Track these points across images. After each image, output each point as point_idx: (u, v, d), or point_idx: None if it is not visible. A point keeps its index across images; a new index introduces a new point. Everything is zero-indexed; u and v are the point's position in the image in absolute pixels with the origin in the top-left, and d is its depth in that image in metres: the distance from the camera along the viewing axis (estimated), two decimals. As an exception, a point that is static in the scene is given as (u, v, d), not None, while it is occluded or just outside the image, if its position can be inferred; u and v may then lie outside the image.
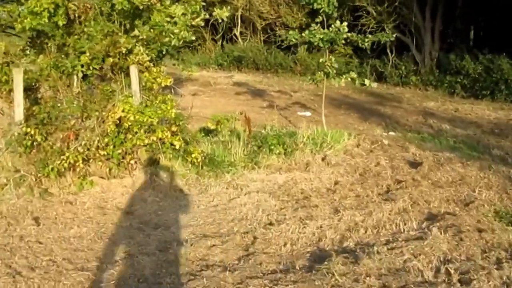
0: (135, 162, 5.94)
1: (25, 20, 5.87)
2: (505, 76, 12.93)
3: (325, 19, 8.88)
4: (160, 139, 6.01)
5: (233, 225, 4.63)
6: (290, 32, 8.92)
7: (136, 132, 5.96)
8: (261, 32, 24.49)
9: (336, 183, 6.17)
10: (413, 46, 17.64)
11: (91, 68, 6.25)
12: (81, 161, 5.60)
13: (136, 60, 6.16)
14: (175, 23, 6.24)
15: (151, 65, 6.22)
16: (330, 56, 8.94)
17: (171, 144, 6.13)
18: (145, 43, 6.34)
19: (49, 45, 6.50)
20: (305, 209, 5.11)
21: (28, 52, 6.99)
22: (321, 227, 4.60)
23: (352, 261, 3.79)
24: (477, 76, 13.92)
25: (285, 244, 4.19)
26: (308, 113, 12.62)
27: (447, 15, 17.15)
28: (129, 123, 5.92)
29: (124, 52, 6.20)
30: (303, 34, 8.85)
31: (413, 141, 9.07)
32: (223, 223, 4.67)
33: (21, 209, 5.09)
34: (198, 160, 6.24)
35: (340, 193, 5.68)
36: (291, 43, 8.93)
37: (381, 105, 13.56)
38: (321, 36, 8.68)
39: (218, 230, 4.52)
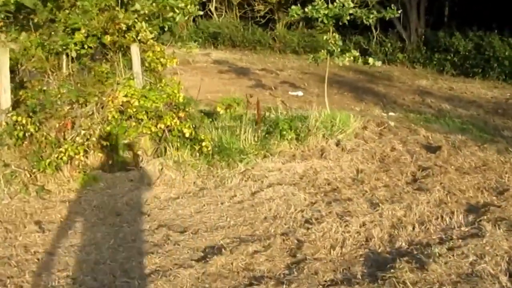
0: (143, 153, 5.32)
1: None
2: (496, 53, 12.77)
3: (327, -7, 8.32)
4: (168, 126, 5.40)
5: (268, 226, 4.13)
6: (293, 7, 8.33)
7: (141, 119, 5.33)
8: (237, 7, 23.62)
9: (359, 171, 5.75)
10: (399, 23, 17.31)
11: (85, 47, 5.51)
12: (81, 154, 4.94)
13: (138, 38, 5.47)
14: (180, -5, 5.56)
15: (155, 43, 5.54)
16: (334, 34, 8.43)
17: (179, 131, 5.53)
18: (147, 18, 5.64)
19: (35, 20, 5.70)
20: (339, 203, 4.66)
21: (6, 29, 6.16)
22: (364, 224, 4.16)
23: (417, 266, 3.38)
24: (467, 53, 13.73)
25: (332, 247, 3.74)
26: (300, 93, 12.13)
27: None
28: (134, 109, 5.28)
29: (123, 29, 5.49)
30: (306, 10, 8.29)
31: (417, 122, 8.75)
32: (256, 223, 4.16)
33: (18, 211, 4.43)
34: (209, 148, 5.67)
35: (369, 184, 5.26)
36: (292, 18, 8.37)
37: (373, 83, 13.21)
38: (326, 12, 8.14)
39: (253, 232, 4.01)
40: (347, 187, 5.17)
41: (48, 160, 4.82)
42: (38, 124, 5.01)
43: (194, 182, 5.19)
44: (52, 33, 5.60)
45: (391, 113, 9.89)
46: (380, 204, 4.58)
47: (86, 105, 5.41)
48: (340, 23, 8.55)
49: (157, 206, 4.56)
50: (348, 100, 11.31)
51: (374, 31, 18.31)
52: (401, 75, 14.24)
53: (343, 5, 8.15)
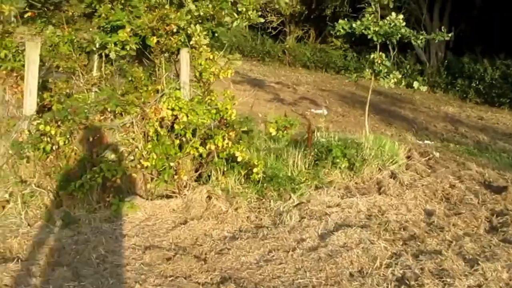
0: (190, 178, 4.50)
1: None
2: (525, 84, 12.25)
3: (379, 10, 7.66)
4: (218, 148, 4.60)
5: (359, 286, 3.35)
6: (340, 21, 7.62)
7: (188, 138, 4.52)
8: (247, 17, 22.94)
9: (428, 213, 5.01)
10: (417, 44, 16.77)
11: (127, 48, 4.70)
12: (119, 176, 4.12)
13: (190, 42, 4.67)
14: (240, -2, 4.79)
15: (208, 50, 4.75)
16: (381, 53, 7.74)
17: (228, 154, 4.73)
18: (199, 21, 4.85)
19: (70, 13, 4.87)
20: (428, 257, 3.90)
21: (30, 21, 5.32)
22: (470, 289, 3.42)
23: None
24: (493, 81, 13.19)
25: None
26: (324, 111, 11.43)
27: (455, 15, 16.40)
28: (182, 126, 4.47)
29: (174, 30, 4.70)
30: (354, 25, 7.60)
31: (460, 154, 8.11)
32: (343, 282, 3.37)
33: (41, 245, 3.58)
34: (259, 175, 4.88)
35: (449, 231, 4.51)
36: (338, 33, 7.69)
37: (396, 106, 12.57)
38: (376, 29, 7.46)
39: (344, 294, 3.23)
40: (426, 234, 4.42)
41: (79, 182, 3.98)
42: (68, 136, 4.17)
43: (247, 217, 4.39)
44: (91, 29, 4.77)
45: (426, 141, 9.23)
46: (477, 262, 3.84)
47: (120, 116, 4.59)
48: (388, 42, 7.89)
49: (212, 249, 3.74)
50: (376, 123, 10.62)
51: (391, 51, 17.77)
52: (424, 100, 13.64)
53: (394, 24, 7.47)
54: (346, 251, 3.83)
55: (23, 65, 4.83)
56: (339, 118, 10.87)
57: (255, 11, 4.86)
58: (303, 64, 20.33)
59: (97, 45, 5.04)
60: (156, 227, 4.03)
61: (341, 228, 4.29)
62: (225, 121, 4.70)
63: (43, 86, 4.98)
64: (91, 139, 4.23)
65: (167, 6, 4.82)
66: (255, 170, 4.81)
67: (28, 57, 4.30)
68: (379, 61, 7.64)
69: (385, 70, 7.66)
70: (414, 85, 8.13)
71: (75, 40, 4.95)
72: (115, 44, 4.68)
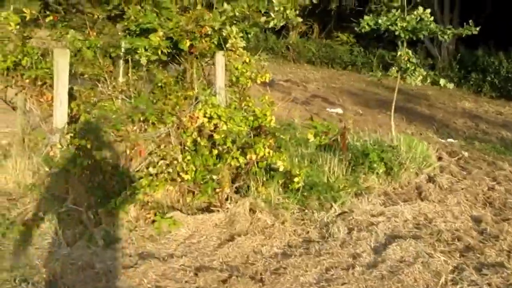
0: (231, 190, 4.26)
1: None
2: (543, 77, 12.03)
3: (405, 4, 7.41)
4: (259, 157, 4.36)
5: (432, 308, 3.13)
6: (365, 17, 7.36)
7: (228, 148, 4.28)
8: (249, 12, 22.61)
9: (476, 220, 4.79)
10: (428, 38, 16.54)
11: (159, 52, 4.44)
12: (160, 190, 3.87)
13: (226, 45, 4.42)
14: (277, -4, 4.52)
15: (245, 53, 4.50)
16: (407, 49, 7.48)
17: (268, 164, 4.50)
18: (234, 22, 4.59)
19: (94, 16, 4.60)
20: (490, 270, 3.68)
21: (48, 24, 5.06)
22: (548, 308, 3.20)
23: None
24: (509, 75, 12.97)
25: None
26: (339, 110, 11.19)
27: (465, 7, 16.14)
28: (222, 135, 4.22)
29: (209, 32, 4.44)
30: (379, 21, 7.34)
31: (488, 153, 7.89)
32: (414, 303, 3.15)
33: (85, 269, 3.33)
34: (299, 184, 4.64)
35: (505, 240, 4.29)
36: (363, 30, 7.44)
37: (412, 102, 12.32)
38: (404, 25, 7.21)
39: (419, 319, 3.00)
40: (481, 245, 4.19)
41: (119, 199, 3.73)
42: (104, 150, 3.92)
43: (294, 231, 4.15)
44: (119, 33, 4.51)
45: (449, 139, 9.01)
46: (546, 275, 3.62)
47: (153, 125, 4.34)
48: (414, 38, 7.63)
49: (266, 268, 3.51)
50: (395, 121, 10.36)
51: (400, 45, 17.51)
52: (437, 95, 13.41)
53: (421, 18, 7.22)
54: (407, 267, 3.60)
55: (47, 73, 4.58)
56: (356, 117, 10.61)
57: (293, 10, 4.60)
58: (308, 60, 20.07)
59: (123, 50, 4.80)
60: (202, 245, 3.79)
61: (393, 240, 4.06)
62: (264, 128, 4.43)
63: (68, 95, 4.72)
64: (128, 151, 3.97)
65: (198, 7, 4.55)
66: (296, 179, 4.58)
67: (57, 65, 4.03)
68: (406, 58, 7.38)
69: (412, 68, 7.40)
70: (440, 83, 7.90)
71: (99, 45, 4.69)
72: (146, 49, 4.42)
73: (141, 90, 4.76)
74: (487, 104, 12.18)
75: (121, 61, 4.98)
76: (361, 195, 5.10)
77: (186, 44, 4.44)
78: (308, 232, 4.18)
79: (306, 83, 14.80)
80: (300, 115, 8.58)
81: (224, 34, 4.44)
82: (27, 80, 4.50)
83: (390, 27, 7.27)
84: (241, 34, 4.46)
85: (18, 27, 4.31)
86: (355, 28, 7.80)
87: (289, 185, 4.71)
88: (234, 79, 4.53)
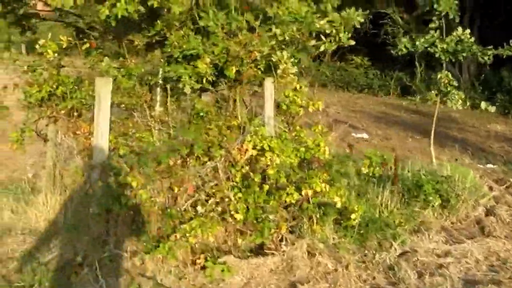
0: (288, 231, 3.85)
1: (118, 4, 3.64)
2: None
3: (444, 25, 7.09)
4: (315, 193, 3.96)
5: None
6: (403, 39, 7.03)
7: (283, 183, 3.89)
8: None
9: (552, 259, 4.34)
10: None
11: (204, 80, 4.11)
12: (213, 233, 3.47)
13: (277, 71, 4.08)
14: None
15: (296, 79, 4.16)
16: (446, 72, 7.13)
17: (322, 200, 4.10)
18: (283, 46, 4.27)
19: (135, 43, 4.30)
20: None
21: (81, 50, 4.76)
22: None
23: None
24: (538, 96, 12.57)
25: None
26: (364, 135, 10.82)
27: (486, 25, 15.90)
28: (275, 169, 3.84)
29: (258, 58, 4.11)
30: (417, 43, 7.01)
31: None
32: None
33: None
34: (355, 221, 4.23)
35: None
36: (400, 53, 7.13)
37: (440, 126, 11.86)
38: (444, 46, 6.87)
39: None
40: None
41: (169, 243, 3.33)
42: (150, 188, 3.54)
43: (359, 276, 3.72)
44: (162, 59, 4.19)
45: (488, 165, 8.57)
46: None
47: (196, 159, 3.96)
48: (453, 60, 7.29)
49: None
50: (426, 146, 9.97)
51: (418, 66, 17.24)
52: (464, 117, 13.00)
53: (460, 39, 6.89)
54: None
55: (82, 103, 4.26)
56: (383, 142, 10.23)
57: (346, 33, 4.27)
58: (323, 84, 19.80)
59: (161, 78, 4.48)
60: (262, 295, 3.37)
61: (472, 286, 3.62)
62: (317, 160, 4.05)
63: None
64: (175, 189, 3.59)
65: (244, 32, 4.23)
66: (353, 216, 4.16)
67: (99, 95, 3.70)
68: (446, 81, 7.02)
69: (453, 91, 7.04)
70: (482, 106, 7.55)
71: (137, 73, 4.37)
72: (190, 77, 4.09)
73: (181, 120, 4.41)
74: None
75: (158, 90, 4.65)
76: (419, 231, 4.68)
77: (232, 71, 4.11)
78: (374, 278, 3.75)
79: (326, 107, 14.46)
80: (331, 143, 8.22)
81: (274, 60, 4.11)
82: (62, 111, 4.16)
83: (429, 49, 6.95)
84: (292, 59, 4.12)
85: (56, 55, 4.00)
86: (391, 51, 7.48)
87: (342, 222, 4.31)
88: (284, 107, 4.17)
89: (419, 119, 12.91)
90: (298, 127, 4.32)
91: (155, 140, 4.39)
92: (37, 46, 4.08)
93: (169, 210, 3.47)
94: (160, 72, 4.52)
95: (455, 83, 7.12)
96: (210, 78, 4.11)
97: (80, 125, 4.09)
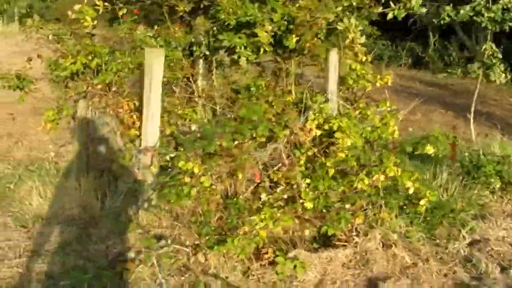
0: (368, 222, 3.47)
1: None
2: None
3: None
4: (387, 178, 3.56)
5: None
6: (447, 7, 6.54)
7: (354, 169, 3.49)
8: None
9: None
10: (461, 29, 15.70)
11: (261, 50, 3.64)
12: (288, 223, 3.09)
13: (346, 41, 3.62)
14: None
15: (363, 50, 3.70)
16: (490, 43, 6.68)
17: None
18: (347, 13, 3.79)
19: (180, 8, 3.79)
20: None
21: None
22: None
23: None
24: (561, 69, 12.12)
25: None
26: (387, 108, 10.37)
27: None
28: (346, 152, 3.43)
29: (322, 26, 3.63)
30: (461, 12, 6.53)
31: None
32: None
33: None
34: (424, 208, 3.86)
35: None
36: (442, 22, 6.64)
37: (461, 98, 11.51)
38: (491, 15, 6.40)
39: None
40: None
41: (238, 237, 2.93)
42: (212, 175, 3.12)
43: (439, 270, 3.37)
44: (212, 24, 3.70)
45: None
46: None
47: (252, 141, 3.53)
48: (498, 30, 6.82)
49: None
50: (453, 120, 9.60)
51: (431, 37, 16.69)
52: (484, 91, 12.58)
53: (507, 8, 6.42)
54: None
55: (119, 77, 3.79)
56: (411, 117, 9.82)
57: (419, -1, 3.79)
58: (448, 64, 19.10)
59: (206, 49, 4.01)
60: (340, 294, 3.02)
61: None
62: (394, 142, 3.65)
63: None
64: (240, 176, 3.18)
65: (309, -4, 3.73)
66: (422, 202, 3.78)
67: (150, 69, 3.22)
68: (490, 53, 6.59)
69: (498, 63, 6.62)
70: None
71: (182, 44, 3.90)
72: (245, 47, 3.61)
73: (230, 96, 3.97)
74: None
75: (201, 62, 4.18)
76: (485, 217, 4.32)
77: (293, 40, 3.63)
78: (455, 272, 3.40)
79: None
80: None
81: (339, 28, 3.64)
82: (99, 86, 3.69)
83: (475, 17, 6.47)
84: (360, 28, 3.65)
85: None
86: (433, 20, 6.99)
87: (405, 208, 3.94)
88: (350, 81, 3.73)
89: (438, 92, 12.49)
90: (362, 104, 3.88)
91: (198, 117, 3.95)
92: (69, 13, 3.56)
93: (234, 199, 3.06)
94: (204, 42, 4.05)
95: (500, 55, 6.70)
96: (268, 49, 3.63)
97: (120, 101, 3.62)
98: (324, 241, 3.51)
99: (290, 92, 4.00)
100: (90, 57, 3.69)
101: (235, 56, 3.62)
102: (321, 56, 3.75)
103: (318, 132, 3.58)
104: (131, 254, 3.13)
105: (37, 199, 4.16)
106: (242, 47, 3.57)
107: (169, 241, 3.09)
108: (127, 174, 3.41)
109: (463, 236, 3.94)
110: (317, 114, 3.59)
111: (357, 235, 3.44)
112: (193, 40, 3.99)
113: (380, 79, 3.79)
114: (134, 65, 3.67)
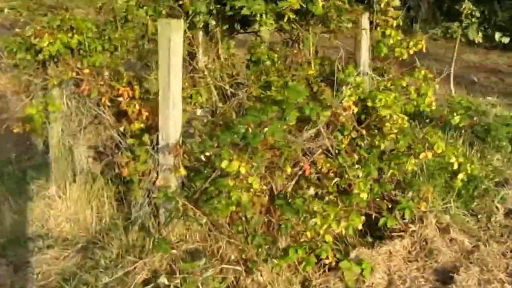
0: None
1: None
2: None
3: None
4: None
5: None
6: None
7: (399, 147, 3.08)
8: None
9: None
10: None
11: (284, 18, 3.06)
12: (352, 225, 2.62)
13: (381, 5, 3.13)
14: None
15: (399, 13, 3.25)
16: (469, 3, 6.49)
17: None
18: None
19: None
20: None
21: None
22: None
23: None
24: (503, 24, 12.45)
25: None
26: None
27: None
28: (395, 129, 3.01)
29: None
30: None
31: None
32: None
33: None
34: (461, 182, 3.56)
35: None
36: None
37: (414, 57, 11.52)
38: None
39: None
40: None
41: (303, 247, 2.42)
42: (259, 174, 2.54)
43: (502, 254, 3.08)
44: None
45: (488, 98, 8.29)
46: None
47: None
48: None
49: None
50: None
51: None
52: (431, 49, 12.69)
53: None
54: None
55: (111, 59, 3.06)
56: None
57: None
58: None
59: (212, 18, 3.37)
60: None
61: None
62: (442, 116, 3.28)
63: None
64: (288, 170, 2.64)
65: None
66: (460, 176, 3.48)
67: (168, 47, 2.53)
68: (469, 12, 6.41)
69: (476, 23, 6.47)
70: (496, 37, 7.09)
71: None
72: (265, 15, 3.01)
73: (247, 73, 3.37)
74: (493, 55, 11.64)
75: (201, 34, 3.51)
76: (507, 183, 4.12)
77: (319, 5, 3.08)
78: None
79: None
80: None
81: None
82: (86, 71, 2.93)
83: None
84: (394, -11, 3.17)
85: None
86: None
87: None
88: (385, 50, 3.27)
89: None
90: (393, 74, 3.45)
91: (203, 100, 3.33)
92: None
93: (288, 199, 2.52)
94: (203, 11, 3.37)
95: (478, 14, 6.55)
96: (292, 17, 3.06)
97: (118, 88, 2.90)
98: (373, 232, 3.11)
99: (309, 64, 3.47)
100: (70, 35, 2.91)
101: (256, 26, 3.01)
102: (346, 24, 3.22)
103: (356, 110, 3.12)
104: (163, 280, 2.52)
105: (11, 217, 3.37)
106: (264, 16, 2.97)
107: (211, 259, 2.51)
108: (136, 180, 2.75)
109: (496, 207, 3.73)
110: (352, 90, 3.11)
111: (412, 223, 3.07)
112: (192, 9, 3.29)
113: (414, 45, 3.36)
114: (132, 42, 2.95)
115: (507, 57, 11.48)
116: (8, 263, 2.92)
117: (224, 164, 2.36)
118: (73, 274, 2.80)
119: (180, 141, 2.65)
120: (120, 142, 3.03)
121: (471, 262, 2.92)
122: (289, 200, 2.53)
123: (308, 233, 2.49)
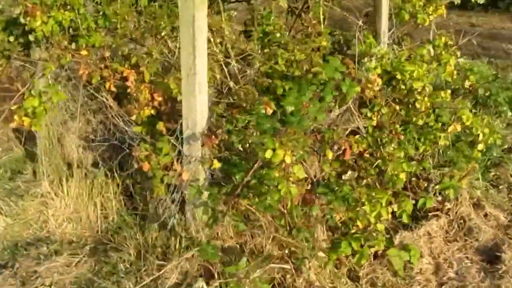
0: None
1: None
2: None
3: None
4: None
5: None
6: None
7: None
8: None
9: None
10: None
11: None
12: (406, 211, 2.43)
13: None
14: None
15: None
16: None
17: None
18: None
19: None
20: None
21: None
22: None
23: None
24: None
25: None
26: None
27: None
28: (427, 104, 2.83)
29: None
30: None
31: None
32: None
33: None
34: (480, 153, 3.46)
35: None
36: None
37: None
38: None
39: None
40: None
41: (358, 238, 2.20)
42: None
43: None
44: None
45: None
46: None
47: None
48: None
49: None
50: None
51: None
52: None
53: None
54: None
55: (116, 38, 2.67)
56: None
57: None
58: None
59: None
60: (469, 281, 2.49)
61: None
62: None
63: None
64: (330, 155, 2.39)
65: None
66: (480, 146, 3.35)
67: (192, 25, 2.16)
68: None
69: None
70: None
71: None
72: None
73: (253, 46, 3.05)
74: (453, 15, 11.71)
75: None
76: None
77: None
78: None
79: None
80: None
81: None
82: (84, 52, 2.52)
83: None
84: None
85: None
86: None
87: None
88: (406, 16, 3.04)
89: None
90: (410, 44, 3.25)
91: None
92: None
93: (336, 188, 2.28)
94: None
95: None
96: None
97: (123, 70, 2.53)
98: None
99: (320, 34, 3.19)
100: (62, 11, 2.48)
101: None
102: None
103: (379, 82, 2.89)
104: (201, 284, 2.25)
105: (3, 220, 2.97)
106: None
107: (253, 257, 2.26)
108: (158, 175, 2.42)
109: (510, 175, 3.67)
110: (380, 61, 2.88)
111: (448, 200, 2.92)
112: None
113: (435, 10, 3.15)
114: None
115: (466, 17, 11.62)
116: (12, 274, 2.55)
117: (268, 154, 2.08)
118: (90, 282, 2.48)
119: (209, 130, 2.34)
120: (125, 131, 2.69)
121: (510, 238, 2.83)
122: (333, 187, 2.30)
123: (359, 223, 2.28)
